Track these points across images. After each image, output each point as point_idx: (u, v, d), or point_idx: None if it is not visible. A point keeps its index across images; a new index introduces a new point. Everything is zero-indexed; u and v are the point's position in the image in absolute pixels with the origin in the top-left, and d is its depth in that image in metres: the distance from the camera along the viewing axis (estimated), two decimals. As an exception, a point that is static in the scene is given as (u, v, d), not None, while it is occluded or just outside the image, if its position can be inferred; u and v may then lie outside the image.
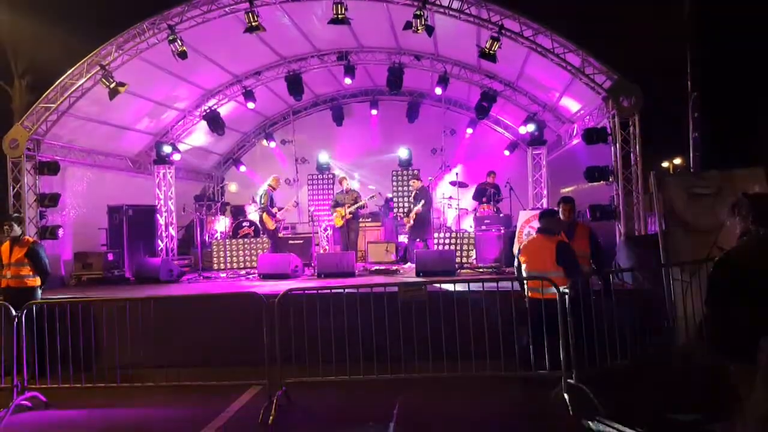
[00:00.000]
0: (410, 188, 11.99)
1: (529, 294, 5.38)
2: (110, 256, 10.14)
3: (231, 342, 6.50)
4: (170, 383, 5.59)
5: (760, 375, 2.42)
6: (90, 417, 5.35)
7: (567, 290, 4.96)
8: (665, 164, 27.16)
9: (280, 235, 11.38)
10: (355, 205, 10.56)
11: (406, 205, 13.48)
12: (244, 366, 5.64)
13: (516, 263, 5.70)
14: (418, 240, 10.78)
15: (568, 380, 4.92)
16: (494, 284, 5.87)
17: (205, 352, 6.52)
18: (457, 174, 12.28)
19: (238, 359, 6.12)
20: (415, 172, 13.49)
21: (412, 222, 10.71)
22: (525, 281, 5.46)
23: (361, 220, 11.38)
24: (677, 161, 26.91)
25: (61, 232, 9.44)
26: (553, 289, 4.99)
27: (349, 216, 10.52)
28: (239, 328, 6.31)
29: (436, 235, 10.95)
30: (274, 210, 10.73)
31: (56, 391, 5.61)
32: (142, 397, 5.65)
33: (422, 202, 10.57)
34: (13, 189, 9.31)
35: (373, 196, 11.10)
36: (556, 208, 6.11)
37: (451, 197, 12.07)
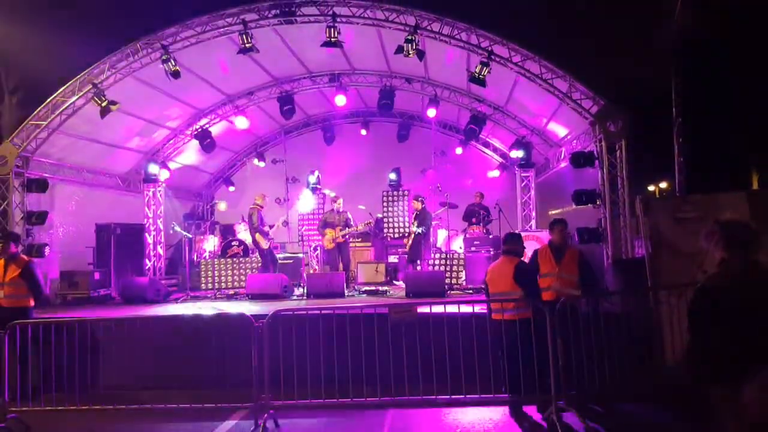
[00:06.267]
0: (414, 208, 11.64)
1: (504, 315, 5.30)
2: (97, 275, 9.99)
3: (218, 363, 6.39)
4: (155, 405, 5.47)
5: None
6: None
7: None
8: (651, 188, 27.56)
9: (279, 256, 11.25)
10: (348, 230, 10.55)
11: (397, 225, 13.52)
12: (232, 388, 5.55)
13: (484, 286, 5.78)
14: (415, 262, 10.75)
15: (558, 403, 4.92)
16: (484, 306, 5.89)
17: (192, 374, 6.42)
18: (447, 195, 12.37)
19: (225, 381, 6.00)
20: (405, 192, 13.57)
21: (410, 242, 10.70)
22: (490, 303, 5.53)
23: (351, 240, 11.35)
24: (663, 185, 27.33)
25: (47, 250, 9.33)
26: (527, 310, 5.17)
27: (341, 240, 10.53)
28: (227, 349, 6.21)
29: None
30: (266, 229, 10.59)
31: (38, 414, 5.48)
32: (126, 421, 5.52)
33: (416, 223, 10.59)
34: (0, 206, 9.22)
35: (369, 222, 11.09)
36: (519, 232, 6.42)
37: (440, 218, 12.13)
